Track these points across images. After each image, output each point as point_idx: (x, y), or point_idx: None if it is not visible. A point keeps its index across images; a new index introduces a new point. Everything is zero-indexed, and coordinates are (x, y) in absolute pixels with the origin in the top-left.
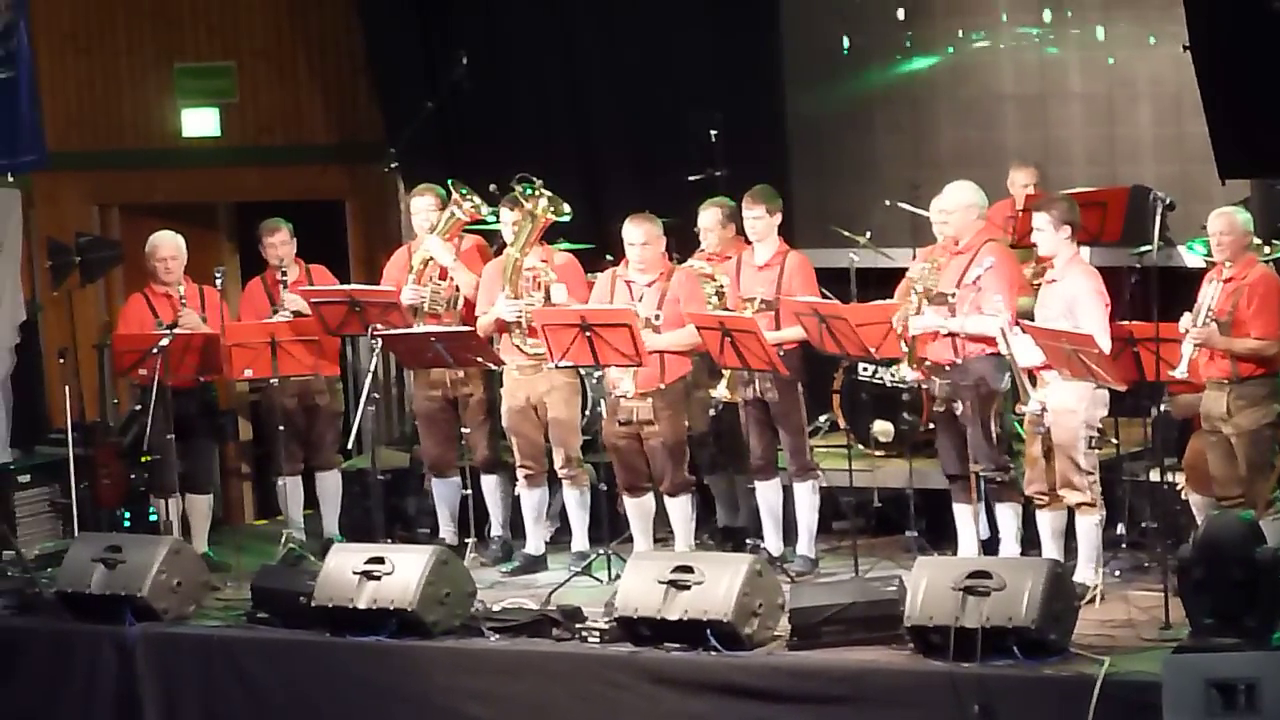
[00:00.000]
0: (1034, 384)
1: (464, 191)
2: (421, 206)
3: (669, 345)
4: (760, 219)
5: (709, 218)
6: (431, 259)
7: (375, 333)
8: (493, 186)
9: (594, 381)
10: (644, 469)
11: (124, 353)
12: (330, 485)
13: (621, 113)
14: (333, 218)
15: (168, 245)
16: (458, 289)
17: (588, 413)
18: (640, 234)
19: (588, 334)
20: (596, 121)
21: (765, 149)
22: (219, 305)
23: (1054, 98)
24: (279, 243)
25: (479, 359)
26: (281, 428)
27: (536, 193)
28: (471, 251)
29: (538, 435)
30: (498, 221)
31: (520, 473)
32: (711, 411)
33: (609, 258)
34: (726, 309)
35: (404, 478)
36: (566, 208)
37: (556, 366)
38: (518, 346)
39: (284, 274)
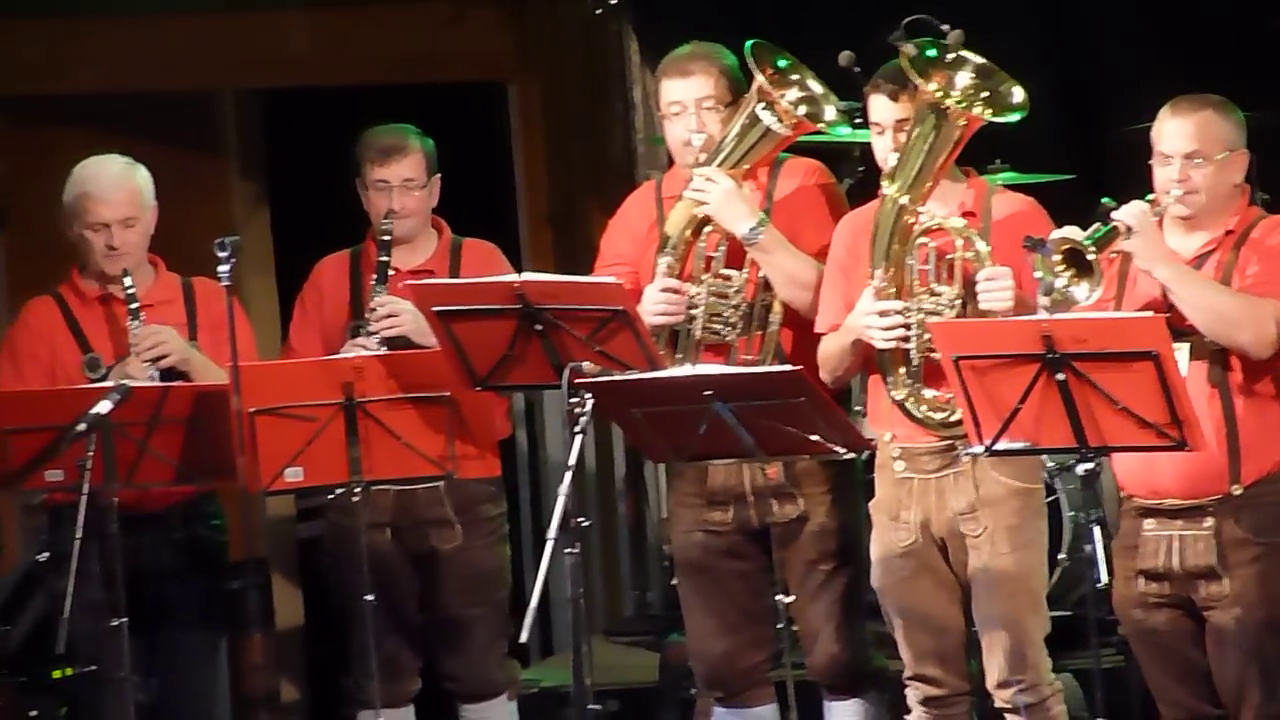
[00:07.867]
0: None
1: (783, 64)
2: (685, 96)
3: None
4: None
5: None
6: (708, 219)
7: (578, 377)
8: (846, 57)
9: (1071, 485)
10: (1202, 677)
11: (13, 436)
12: None
13: None
14: (483, 122)
15: (110, 189)
16: (767, 285)
17: (1064, 556)
18: (1187, 132)
19: (1059, 374)
20: None
21: None
22: (227, 317)
23: None
24: (400, 179)
25: (815, 437)
26: (370, 598)
27: (952, 57)
28: (801, 195)
29: (951, 614)
30: (856, 128)
31: (911, 695)
32: None
33: (1106, 201)
34: None
35: (644, 703)
36: (1020, 93)
37: (989, 453)
38: (905, 406)
39: (385, 252)
